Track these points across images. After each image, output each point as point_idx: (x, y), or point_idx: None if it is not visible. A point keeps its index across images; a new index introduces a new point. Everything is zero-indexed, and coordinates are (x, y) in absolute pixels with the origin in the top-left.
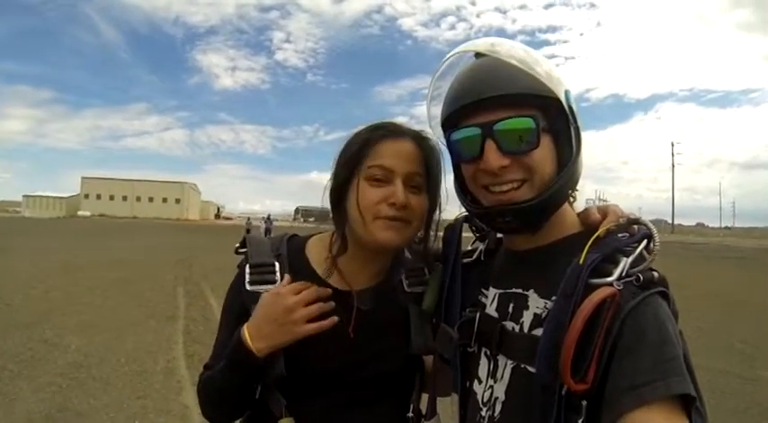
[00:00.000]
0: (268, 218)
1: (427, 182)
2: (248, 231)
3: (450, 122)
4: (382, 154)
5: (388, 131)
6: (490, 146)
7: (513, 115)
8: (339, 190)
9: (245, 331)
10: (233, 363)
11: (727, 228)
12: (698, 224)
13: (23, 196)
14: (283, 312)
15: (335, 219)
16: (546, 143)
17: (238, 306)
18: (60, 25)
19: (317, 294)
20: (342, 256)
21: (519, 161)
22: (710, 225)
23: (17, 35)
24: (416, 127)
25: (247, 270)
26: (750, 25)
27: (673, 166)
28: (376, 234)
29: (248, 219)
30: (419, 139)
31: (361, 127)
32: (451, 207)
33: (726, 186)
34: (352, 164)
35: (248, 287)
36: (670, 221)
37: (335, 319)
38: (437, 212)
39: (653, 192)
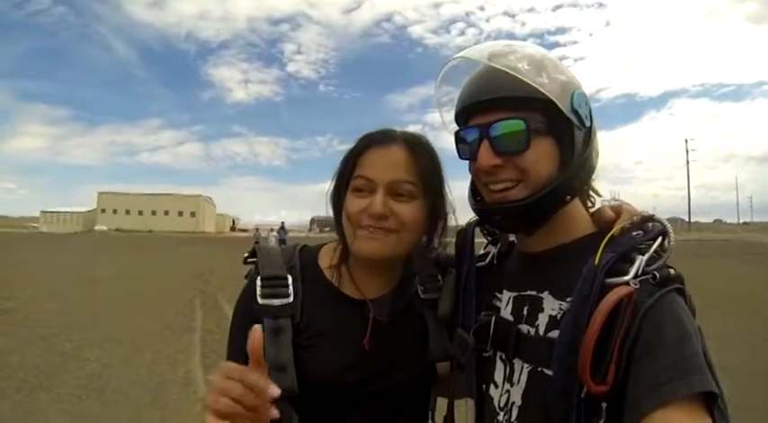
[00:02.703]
0: (282, 227)
1: (423, 187)
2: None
3: (458, 122)
4: (365, 164)
5: (373, 140)
6: (485, 146)
7: (506, 117)
8: (336, 201)
9: None
10: None
11: (745, 223)
12: (715, 221)
13: (41, 212)
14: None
15: (337, 229)
16: (544, 145)
17: (250, 320)
18: (74, 44)
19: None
20: (346, 263)
21: (512, 161)
22: (728, 221)
23: (33, 55)
24: (430, 134)
25: (258, 283)
26: (760, 17)
27: (687, 162)
28: (359, 245)
29: (256, 229)
30: (411, 143)
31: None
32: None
33: (743, 181)
34: (342, 175)
35: (260, 301)
36: (687, 219)
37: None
38: (445, 218)
39: (669, 190)
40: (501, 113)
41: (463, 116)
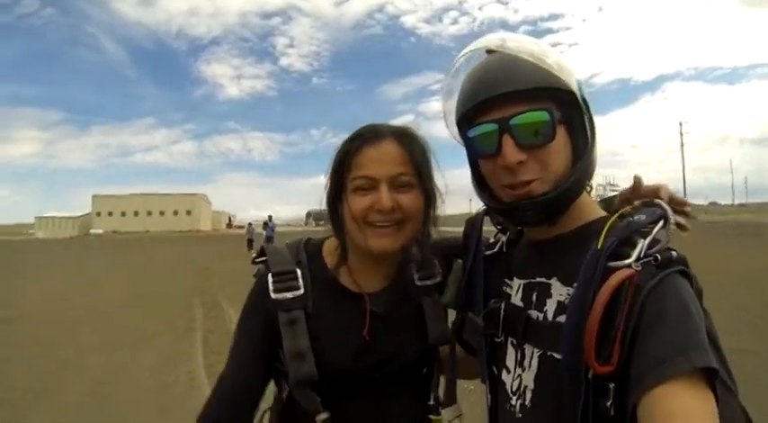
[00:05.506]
0: (268, 222)
1: (418, 175)
2: (250, 241)
3: (465, 119)
4: (363, 163)
5: (365, 139)
6: (507, 141)
7: (528, 109)
8: (332, 203)
9: None
10: None
11: (741, 205)
12: (711, 203)
13: (36, 218)
14: None
15: (334, 229)
16: (561, 135)
17: (263, 314)
18: (64, 46)
19: None
20: (346, 258)
21: (536, 155)
22: (724, 202)
23: (22, 58)
24: (423, 124)
25: (270, 279)
26: (754, 0)
27: (681, 145)
28: (370, 242)
29: (249, 224)
30: (400, 135)
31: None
32: (459, 199)
33: (737, 163)
34: (337, 178)
35: (273, 296)
36: None
37: None
38: (436, 205)
39: (663, 173)
40: (520, 106)
41: (473, 113)
